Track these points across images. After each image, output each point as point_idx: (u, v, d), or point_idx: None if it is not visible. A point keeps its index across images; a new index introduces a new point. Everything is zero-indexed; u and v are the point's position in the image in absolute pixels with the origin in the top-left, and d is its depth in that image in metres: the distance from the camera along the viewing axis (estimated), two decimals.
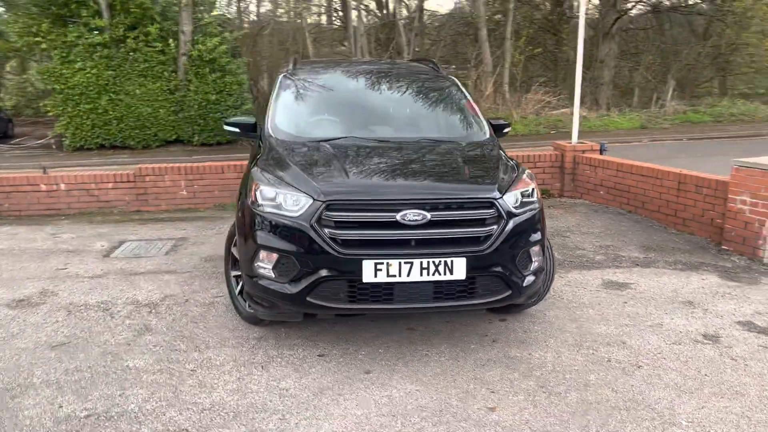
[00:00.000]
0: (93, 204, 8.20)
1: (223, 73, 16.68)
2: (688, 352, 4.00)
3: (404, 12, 22.85)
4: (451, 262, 3.54)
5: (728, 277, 5.49)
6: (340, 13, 23.96)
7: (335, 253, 3.50)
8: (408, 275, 3.52)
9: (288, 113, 4.80)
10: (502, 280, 3.71)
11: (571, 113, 10.43)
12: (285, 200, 3.69)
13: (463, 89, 5.30)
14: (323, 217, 3.55)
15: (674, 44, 21.76)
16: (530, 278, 3.86)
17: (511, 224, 3.70)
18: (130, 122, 16.51)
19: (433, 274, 3.53)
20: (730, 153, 15.01)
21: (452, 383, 3.54)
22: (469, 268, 3.58)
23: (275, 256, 3.66)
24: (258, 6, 24.45)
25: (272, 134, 4.51)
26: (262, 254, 3.72)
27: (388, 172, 3.91)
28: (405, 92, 5.20)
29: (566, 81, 20.84)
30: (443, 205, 3.60)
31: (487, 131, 4.77)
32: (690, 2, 20.97)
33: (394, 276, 3.51)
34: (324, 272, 3.53)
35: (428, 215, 3.55)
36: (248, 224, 3.82)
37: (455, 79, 5.44)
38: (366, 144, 4.36)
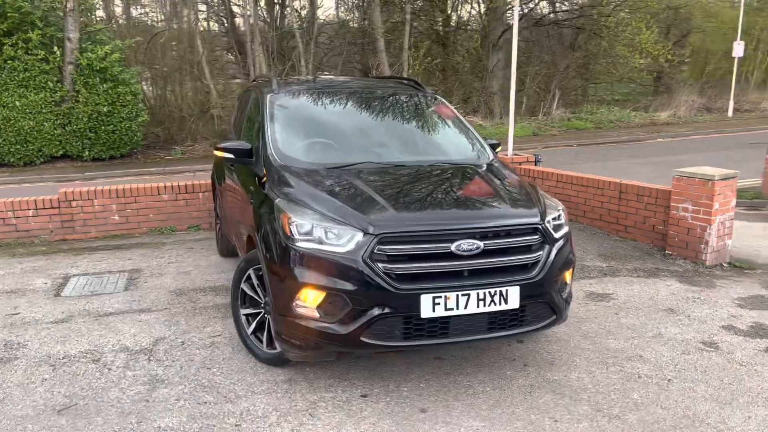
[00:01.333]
0: (11, 234, 7.36)
1: (116, 83, 15.61)
2: (701, 362, 4.19)
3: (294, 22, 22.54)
4: (506, 291, 3.49)
5: (688, 282, 5.84)
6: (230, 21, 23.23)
7: (392, 289, 3.34)
8: (465, 307, 3.42)
9: (288, 138, 4.54)
10: (548, 306, 3.71)
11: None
12: (327, 234, 3.47)
13: (453, 108, 5.27)
14: (376, 251, 3.37)
15: (552, 55, 23.05)
16: (568, 301, 3.89)
17: (554, 249, 3.72)
18: (10, 137, 15.03)
19: (489, 305, 3.46)
20: (621, 157, 16.23)
21: (512, 415, 3.49)
22: (523, 297, 3.54)
23: (322, 294, 3.43)
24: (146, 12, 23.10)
25: (279, 161, 4.24)
26: (305, 293, 3.47)
27: (432, 200, 3.79)
28: (401, 113, 5.09)
29: (460, 91, 21.46)
30: (493, 233, 3.54)
31: (489, 152, 4.77)
32: (565, 16, 22.31)
33: (452, 309, 3.40)
34: (380, 310, 3.35)
35: (482, 244, 3.47)
36: (284, 261, 3.55)
37: (442, 98, 5.40)
38: (388, 170, 4.21)
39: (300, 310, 3.51)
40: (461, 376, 3.94)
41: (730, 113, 24.04)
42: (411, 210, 3.61)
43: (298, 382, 3.83)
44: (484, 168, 4.44)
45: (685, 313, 5.08)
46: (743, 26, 30.45)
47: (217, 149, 4.59)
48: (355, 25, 23.99)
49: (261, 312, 4.05)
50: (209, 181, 7.93)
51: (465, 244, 3.44)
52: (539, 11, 22.25)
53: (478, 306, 3.44)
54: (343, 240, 3.43)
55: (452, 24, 24.29)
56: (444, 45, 23.41)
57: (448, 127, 5.02)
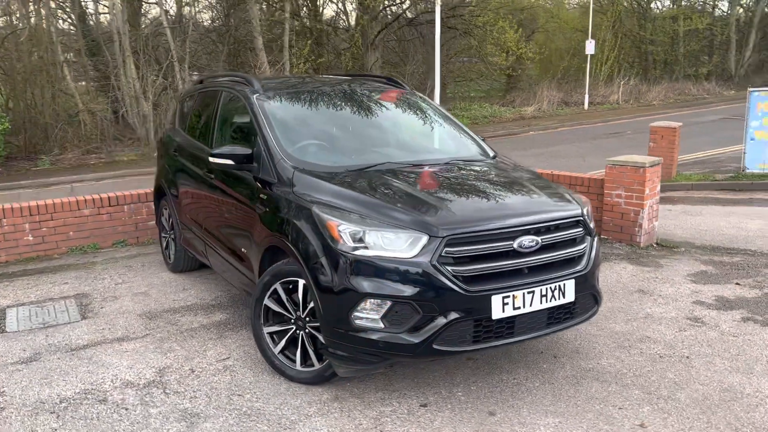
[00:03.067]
0: None
1: None
2: (700, 337, 4.46)
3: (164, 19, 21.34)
4: (563, 285, 3.50)
5: (638, 264, 6.22)
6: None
7: (463, 292, 3.22)
8: (530, 305, 3.39)
9: (293, 141, 4.25)
10: (593, 297, 3.77)
11: None
12: (384, 240, 3.29)
13: (437, 105, 5.20)
14: (443, 254, 3.24)
15: (426, 54, 23.65)
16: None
17: (594, 241, 3.78)
18: None
19: (550, 300, 3.45)
20: (505, 150, 17.02)
21: (577, 407, 3.50)
22: (576, 289, 3.57)
23: (387, 304, 3.24)
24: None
25: (294, 165, 3.95)
26: (368, 303, 3.26)
27: (483, 198, 3.70)
28: (397, 111, 4.95)
29: None
30: (546, 228, 3.53)
31: (486, 146, 4.76)
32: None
33: (519, 308, 3.35)
34: (453, 315, 3.23)
35: (539, 240, 3.45)
36: (338, 271, 3.31)
37: (423, 95, 5.32)
38: (413, 170, 4.07)
39: (361, 322, 3.29)
40: (503, 374, 3.91)
41: (586, 106, 25.96)
42: (470, 210, 3.51)
43: (348, 399, 3.60)
44: (498, 163, 4.43)
45: (655, 293, 5.39)
46: (585, 26, 32.97)
47: (213, 156, 4.20)
48: (229, 22, 23.11)
49: (291, 329, 3.76)
50: (135, 192, 7.31)
51: (526, 241, 3.40)
52: (415, 10, 22.68)
53: (541, 302, 3.41)
54: (404, 244, 3.26)
55: (325, 22, 24.17)
56: (318, 44, 23.22)
57: (441, 123, 4.95)
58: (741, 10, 38.33)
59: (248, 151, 4.15)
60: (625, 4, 37.75)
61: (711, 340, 4.40)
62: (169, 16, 21.70)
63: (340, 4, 24.86)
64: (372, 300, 3.25)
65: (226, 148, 4.20)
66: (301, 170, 3.90)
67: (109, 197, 7.18)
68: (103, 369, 4.05)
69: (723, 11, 42.05)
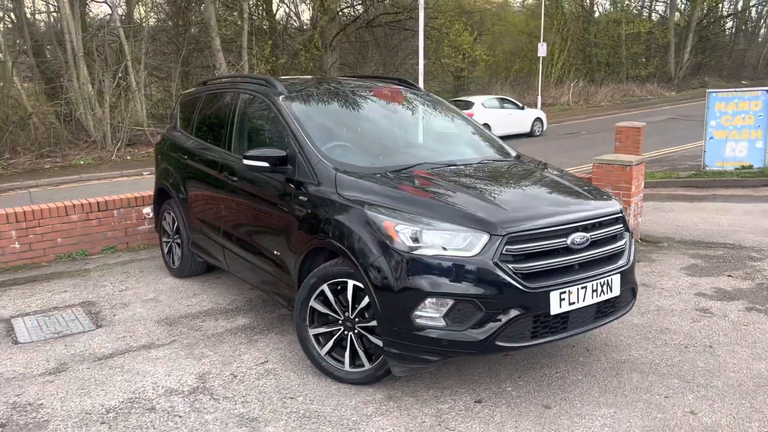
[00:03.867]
0: None
1: None
2: (715, 326, 4.67)
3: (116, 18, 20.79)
4: (611, 280, 3.61)
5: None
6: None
7: (524, 289, 3.30)
8: (583, 300, 3.48)
9: (328, 142, 4.24)
10: (631, 291, 3.90)
11: None
12: (443, 239, 3.33)
13: (452, 106, 5.27)
14: (504, 252, 3.30)
15: (383, 56, 23.80)
16: None
17: (631, 236, 3.92)
18: None
19: (600, 295, 3.56)
20: None
21: (626, 397, 3.62)
22: (621, 284, 3.69)
23: (449, 302, 3.29)
24: None
25: (335, 167, 3.95)
26: (429, 302, 3.30)
27: (533, 196, 3.78)
28: (422, 112, 4.99)
29: None
30: (591, 225, 3.63)
31: (508, 148, 4.85)
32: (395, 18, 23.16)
33: (574, 303, 3.45)
34: (515, 311, 3.29)
35: (588, 236, 3.56)
36: (399, 271, 3.34)
37: (438, 97, 5.38)
38: (454, 169, 4.11)
39: (422, 321, 3.32)
40: (544, 368, 4.00)
41: (539, 107, 26.55)
42: (524, 208, 3.57)
43: (402, 398, 3.62)
44: (527, 162, 4.54)
45: (657, 286, 5.60)
46: (531, 29, 33.76)
47: (247, 158, 4.15)
48: (180, 22, 22.66)
49: (339, 329, 3.76)
50: (125, 197, 7.13)
51: (578, 238, 3.49)
52: (371, 13, 22.75)
53: (592, 297, 3.52)
54: (464, 243, 3.31)
55: (278, 22, 23.99)
56: (275, 45, 23.05)
57: (460, 123, 5.01)
58: (678, 14, 39.93)
59: (282, 153, 4.12)
60: (568, 6, 38.80)
61: (725, 329, 4.61)
62: (119, 16, 21.15)
63: (292, 6, 24.73)
64: (433, 299, 3.29)
65: (260, 151, 4.16)
66: (345, 172, 3.89)
67: (98, 202, 6.98)
68: (140, 377, 3.95)
69: (660, 14, 43.74)
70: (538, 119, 21.48)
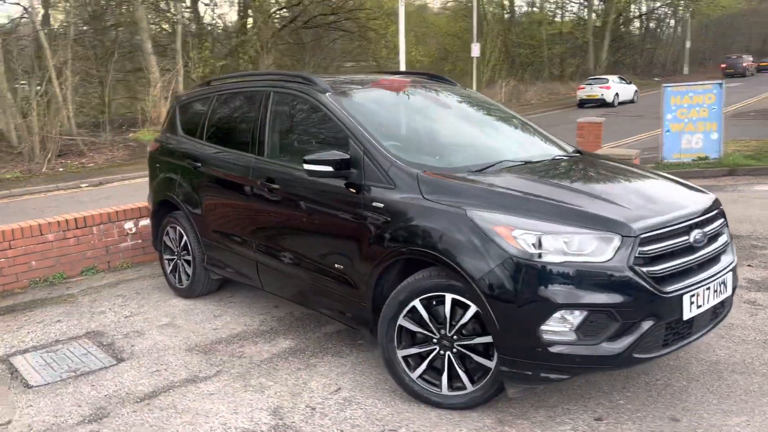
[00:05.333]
0: None
1: None
2: (755, 319, 4.57)
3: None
4: (726, 278, 3.40)
5: None
6: None
7: (661, 295, 3.02)
8: (707, 302, 3.25)
9: (392, 140, 3.83)
10: (733, 289, 3.70)
11: None
12: (571, 243, 3.01)
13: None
14: (637, 255, 3.02)
15: (325, 60, 23.37)
16: None
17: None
18: None
19: (719, 295, 3.34)
20: None
21: (747, 403, 3.39)
22: (732, 282, 3.49)
23: (582, 314, 2.97)
24: None
25: (412, 168, 3.56)
26: (560, 315, 2.97)
27: (640, 194, 3.49)
28: (473, 107, 4.66)
29: None
30: (704, 222, 3.40)
31: (563, 143, 4.60)
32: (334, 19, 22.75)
33: (701, 306, 3.21)
34: (652, 319, 3.01)
35: (705, 232, 3.33)
36: (520, 282, 3.00)
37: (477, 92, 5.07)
38: (538, 167, 3.81)
39: (550, 336, 2.99)
40: (642, 376, 3.73)
41: None
42: (644, 206, 3.28)
43: (515, 422, 3.27)
44: (598, 157, 4.31)
45: None
46: (454, 31, 34.10)
47: (308, 162, 3.70)
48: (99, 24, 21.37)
49: (434, 349, 3.37)
50: (104, 211, 6.44)
51: (698, 235, 3.26)
52: (311, 12, 22.22)
53: (713, 298, 3.29)
54: (591, 247, 3.00)
55: (208, 24, 23.13)
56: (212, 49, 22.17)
57: (511, 118, 4.71)
58: (594, 15, 41.43)
59: (346, 156, 3.70)
60: (491, 9, 39.54)
61: (763, 320, 4.51)
62: (36, 18, 19.74)
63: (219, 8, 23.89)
64: (564, 311, 2.97)
65: (321, 154, 3.71)
66: (428, 173, 3.51)
67: (75, 219, 6.26)
68: (203, 418, 3.42)
69: (575, 15, 45.30)
70: (636, 91, 30.11)
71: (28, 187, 14.41)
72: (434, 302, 3.33)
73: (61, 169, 16.02)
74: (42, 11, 21.16)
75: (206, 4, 25.93)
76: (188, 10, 23.11)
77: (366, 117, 3.94)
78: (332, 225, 3.86)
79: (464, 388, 3.33)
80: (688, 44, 48.21)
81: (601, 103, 27.41)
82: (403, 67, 9.55)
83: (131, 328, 4.79)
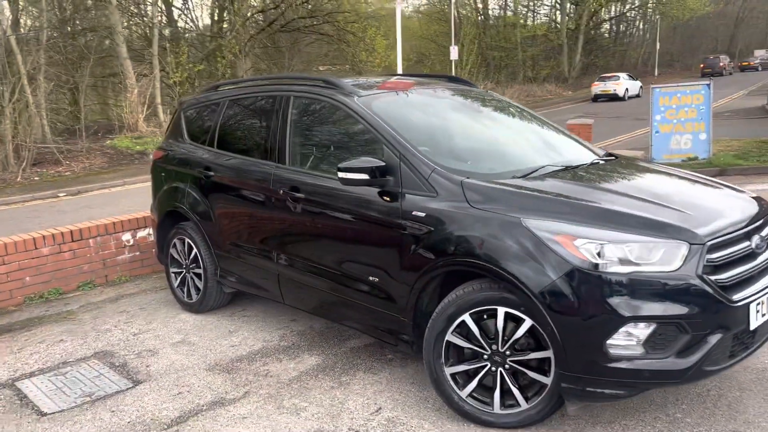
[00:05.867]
0: None
1: None
2: None
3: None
4: None
5: None
6: None
7: (730, 304, 2.89)
8: None
9: (428, 145, 3.66)
10: None
11: None
12: (635, 252, 2.86)
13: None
14: (705, 263, 2.88)
15: (306, 64, 23.11)
16: None
17: None
18: None
19: None
20: None
21: None
22: None
23: (651, 327, 2.82)
24: None
25: (453, 175, 3.39)
26: (627, 329, 2.82)
27: (695, 199, 3.36)
28: (502, 111, 4.50)
29: None
30: (759, 226, 3.27)
31: (594, 147, 4.47)
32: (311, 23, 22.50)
33: (765, 315, 3.08)
34: (722, 330, 2.88)
35: (763, 236, 3.22)
36: (584, 294, 2.84)
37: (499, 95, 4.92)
38: (580, 172, 3.66)
39: (617, 351, 2.84)
40: (692, 386, 3.60)
41: None
42: (707, 211, 3.16)
43: None
44: (634, 161, 4.18)
45: None
46: (428, 34, 34.09)
47: (343, 170, 3.50)
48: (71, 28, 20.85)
49: (485, 366, 3.20)
50: (101, 223, 6.16)
51: (757, 239, 3.14)
52: (289, 16, 21.95)
53: None
54: (657, 255, 2.86)
55: (183, 30, 22.73)
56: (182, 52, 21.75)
57: (540, 121, 4.56)
58: (568, 18, 41.81)
59: (382, 163, 3.51)
60: (465, 12, 39.67)
61: None
62: (6, 23, 19.17)
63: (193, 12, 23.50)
64: (633, 324, 2.81)
65: (356, 162, 3.51)
66: (471, 180, 3.34)
67: (71, 231, 5.97)
68: None
69: (546, 17, 45.70)
70: (641, 87, 32.35)
71: (3, 197, 13.91)
72: (485, 316, 3.16)
73: (36, 179, 15.53)
74: (11, 16, 20.59)
75: (179, 8, 25.53)
76: (162, 13, 22.69)
77: (398, 121, 3.76)
78: (365, 235, 3.66)
79: (518, 405, 3.16)
80: (657, 46, 48.96)
81: (614, 98, 30.85)
82: (400, 69, 9.39)
83: (143, 347, 4.53)
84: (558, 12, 44.17)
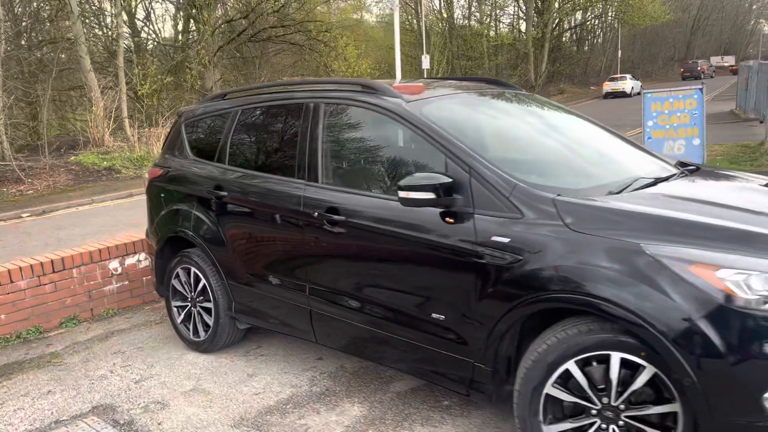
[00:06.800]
0: None
1: None
2: None
3: None
4: None
5: None
6: None
7: None
8: None
9: (503, 160, 3.12)
10: None
11: None
12: None
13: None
14: None
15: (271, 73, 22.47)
16: None
17: None
18: None
19: None
20: None
21: None
22: None
23: None
24: None
25: (541, 190, 2.86)
26: None
27: None
28: (559, 116, 3.99)
29: None
30: None
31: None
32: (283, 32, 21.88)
33: None
34: None
35: None
36: (735, 337, 2.33)
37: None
38: (681, 186, 3.17)
39: None
40: None
41: None
42: None
43: None
44: (714, 169, 3.74)
45: None
46: (391, 43, 33.57)
47: (404, 189, 2.94)
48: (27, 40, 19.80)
49: (594, 423, 2.65)
50: (85, 250, 5.47)
51: None
52: (260, 25, 21.27)
53: None
54: None
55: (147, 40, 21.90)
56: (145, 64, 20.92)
57: (598, 126, 4.07)
58: (533, 27, 41.99)
59: (448, 179, 2.95)
60: (430, 21, 39.53)
61: None
62: None
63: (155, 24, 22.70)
64: None
65: (419, 178, 2.95)
66: (564, 197, 2.81)
67: (52, 261, 5.25)
68: None
69: (508, 26, 45.94)
70: (642, 85, 37.21)
71: None
72: (593, 363, 2.62)
73: None
74: None
75: (141, 20, 24.66)
76: (126, 24, 21.82)
77: (458, 129, 3.22)
78: (426, 265, 3.10)
79: None
80: (620, 53, 49.62)
81: (622, 94, 37.12)
82: (399, 76, 8.88)
83: (149, 398, 3.87)
84: (522, 21, 44.40)
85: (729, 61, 53.74)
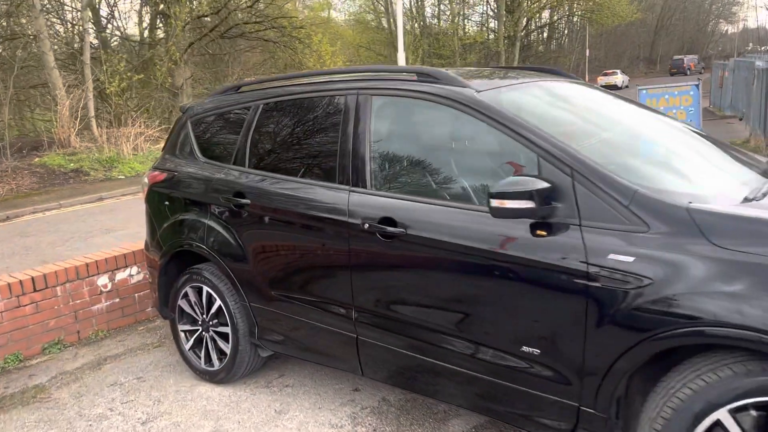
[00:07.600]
0: None
1: None
2: None
3: None
4: None
5: None
6: None
7: None
8: None
9: (599, 157, 2.60)
10: None
11: None
12: None
13: None
14: None
15: (243, 71, 21.76)
16: None
17: None
18: None
19: None
20: None
21: None
22: None
23: None
24: None
25: (660, 197, 2.35)
26: None
27: None
28: (635, 110, 3.50)
29: (158, 108, 18.56)
30: None
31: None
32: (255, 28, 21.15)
33: None
34: None
35: None
36: None
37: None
38: None
39: None
40: None
41: None
42: None
43: None
44: None
45: None
46: (364, 42, 33.21)
47: (496, 197, 2.40)
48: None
49: None
50: (70, 265, 4.82)
51: None
52: (233, 20, 20.48)
53: None
54: None
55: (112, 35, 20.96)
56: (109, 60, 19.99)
57: (676, 121, 3.59)
58: (504, 27, 41.85)
59: (546, 184, 2.43)
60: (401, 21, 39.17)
61: None
62: None
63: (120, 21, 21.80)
64: None
65: (514, 184, 2.41)
66: (698, 206, 2.31)
67: (32, 278, 4.59)
68: None
69: (479, 24, 45.88)
70: (628, 79, 43.10)
71: None
72: (752, 411, 2.11)
73: None
74: None
75: (105, 17, 23.64)
76: (90, 20, 20.84)
77: (548, 124, 2.70)
78: (514, 287, 2.57)
79: None
80: (587, 53, 49.95)
81: (614, 87, 38.55)
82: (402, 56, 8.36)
83: None
84: (492, 19, 44.33)
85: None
